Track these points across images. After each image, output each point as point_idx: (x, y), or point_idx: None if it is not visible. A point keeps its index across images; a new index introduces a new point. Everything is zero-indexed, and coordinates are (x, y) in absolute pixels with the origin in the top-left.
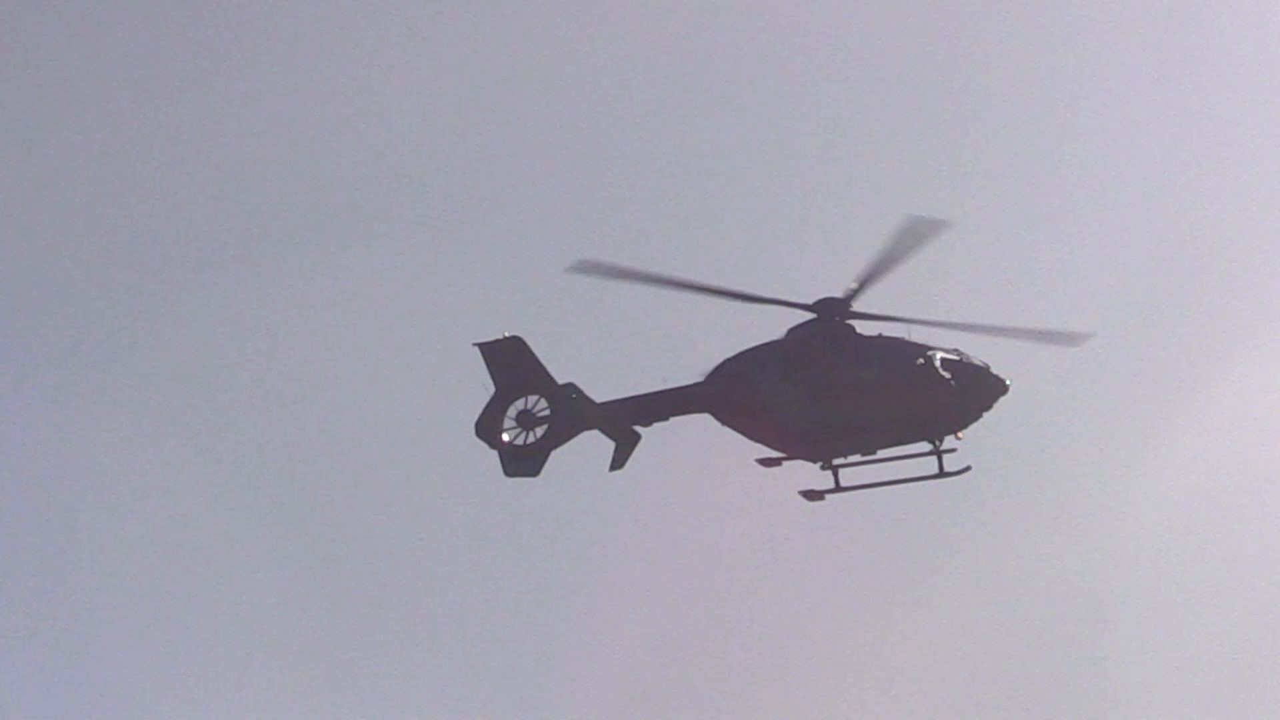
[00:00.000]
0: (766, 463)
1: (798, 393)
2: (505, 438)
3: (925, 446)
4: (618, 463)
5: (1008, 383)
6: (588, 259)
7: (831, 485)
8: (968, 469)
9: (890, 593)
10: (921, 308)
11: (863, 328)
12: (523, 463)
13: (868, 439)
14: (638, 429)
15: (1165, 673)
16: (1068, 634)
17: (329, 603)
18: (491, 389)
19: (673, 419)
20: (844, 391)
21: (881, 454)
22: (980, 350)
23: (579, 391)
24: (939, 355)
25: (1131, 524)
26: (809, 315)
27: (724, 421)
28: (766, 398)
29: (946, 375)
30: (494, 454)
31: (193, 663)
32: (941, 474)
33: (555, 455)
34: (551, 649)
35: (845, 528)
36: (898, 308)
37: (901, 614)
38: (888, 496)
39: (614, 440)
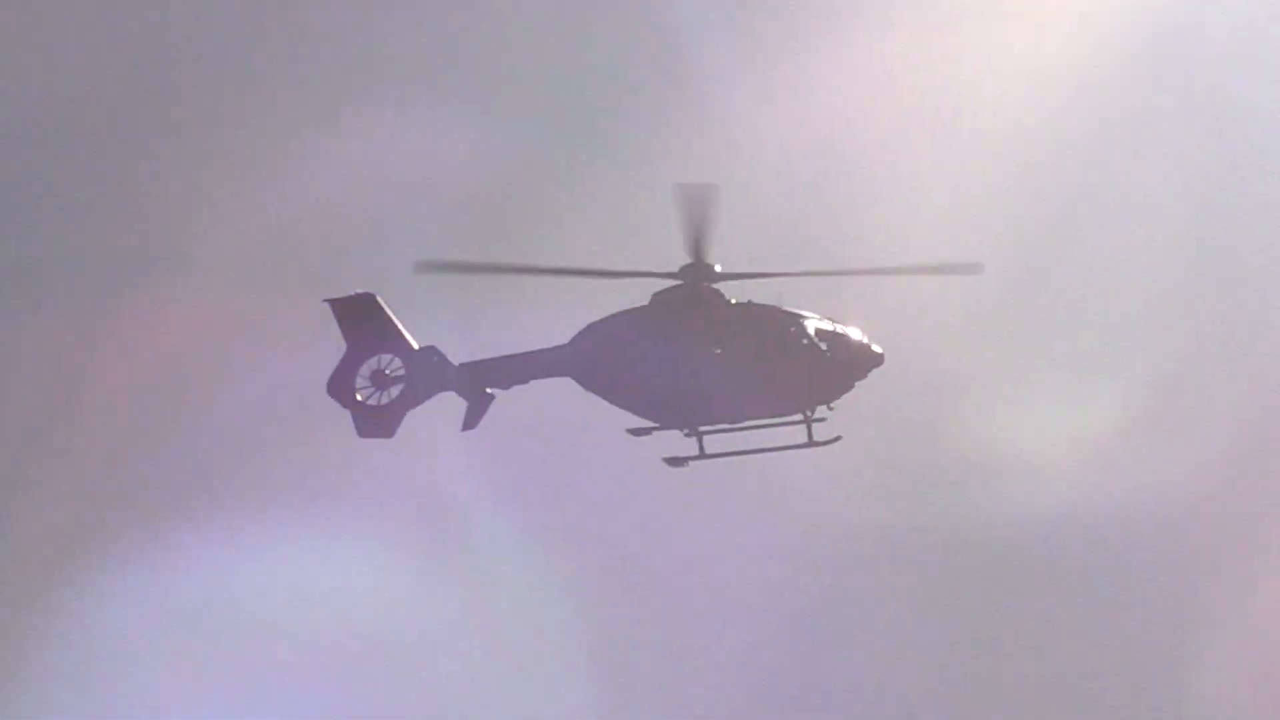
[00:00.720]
0: (637, 433)
1: (664, 360)
2: (359, 398)
3: (795, 415)
4: (470, 423)
5: (881, 352)
6: (432, 259)
7: (696, 452)
8: (838, 439)
9: (756, 562)
10: (800, 261)
11: (733, 290)
12: (377, 423)
13: (736, 408)
14: (493, 391)
15: (1053, 640)
16: (942, 603)
17: (170, 569)
18: (344, 347)
19: (533, 382)
20: (712, 360)
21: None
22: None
23: (440, 354)
24: (812, 324)
25: (1010, 494)
26: (673, 279)
27: (587, 386)
28: (632, 364)
29: (821, 345)
30: (346, 414)
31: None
32: (811, 443)
33: (410, 415)
34: (399, 612)
35: (709, 495)
36: (774, 263)
37: (769, 585)
38: (755, 464)
39: (467, 401)
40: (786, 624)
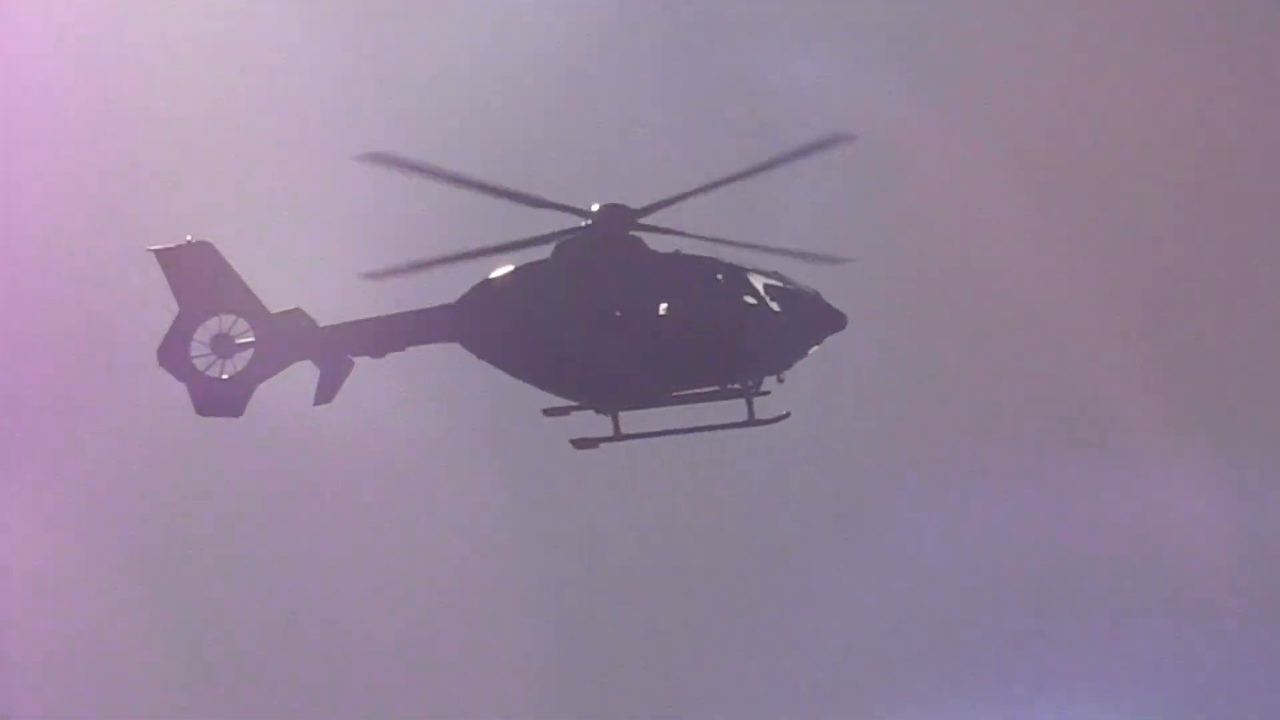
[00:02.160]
0: (553, 413)
1: (579, 324)
2: (197, 367)
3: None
4: (325, 395)
5: (843, 314)
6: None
7: (610, 432)
8: (786, 415)
9: (681, 568)
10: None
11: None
12: (221, 398)
13: (666, 382)
14: (354, 357)
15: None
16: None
17: None
18: (175, 307)
19: (411, 348)
20: (640, 324)
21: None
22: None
23: (306, 317)
24: (759, 279)
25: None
26: (581, 224)
27: (478, 353)
28: (538, 329)
29: (772, 304)
30: (182, 387)
31: None
32: (752, 421)
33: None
34: (249, 623)
35: (624, 485)
36: (685, 221)
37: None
38: (683, 445)
39: (322, 369)
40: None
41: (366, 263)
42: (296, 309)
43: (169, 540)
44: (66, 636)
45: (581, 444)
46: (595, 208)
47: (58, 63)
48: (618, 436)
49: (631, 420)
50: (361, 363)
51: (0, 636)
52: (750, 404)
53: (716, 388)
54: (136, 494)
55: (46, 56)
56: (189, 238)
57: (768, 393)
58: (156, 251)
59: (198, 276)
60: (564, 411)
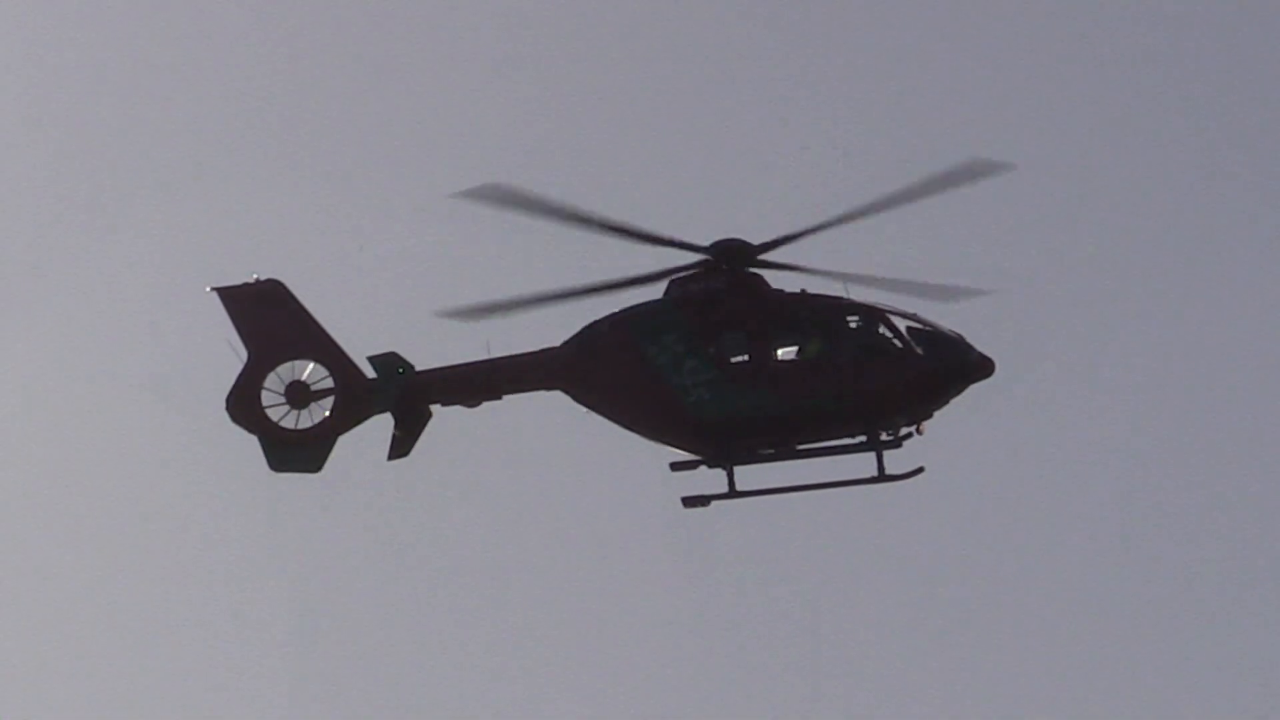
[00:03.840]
0: (680, 467)
1: (706, 369)
2: (272, 418)
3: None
4: (401, 449)
5: (991, 360)
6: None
7: (724, 489)
8: (920, 470)
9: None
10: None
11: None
12: (299, 452)
13: (791, 434)
14: (446, 406)
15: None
16: None
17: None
18: (242, 353)
19: (508, 397)
20: (764, 369)
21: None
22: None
23: (406, 364)
24: (899, 321)
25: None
26: (699, 260)
27: (586, 402)
28: (660, 374)
29: (912, 347)
30: (253, 440)
31: None
32: (883, 477)
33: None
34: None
35: (741, 550)
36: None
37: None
38: (805, 504)
39: (399, 419)
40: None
41: (452, 303)
42: (392, 353)
43: (240, 611)
44: None
45: (692, 502)
46: (710, 243)
47: (129, 88)
48: (733, 493)
49: (748, 476)
50: (451, 413)
51: None
52: (880, 458)
53: (845, 440)
54: (205, 560)
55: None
56: (256, 276)
57: (899, 445)
58: (220, 291)
59: (267, 318)
60: (691, 465)
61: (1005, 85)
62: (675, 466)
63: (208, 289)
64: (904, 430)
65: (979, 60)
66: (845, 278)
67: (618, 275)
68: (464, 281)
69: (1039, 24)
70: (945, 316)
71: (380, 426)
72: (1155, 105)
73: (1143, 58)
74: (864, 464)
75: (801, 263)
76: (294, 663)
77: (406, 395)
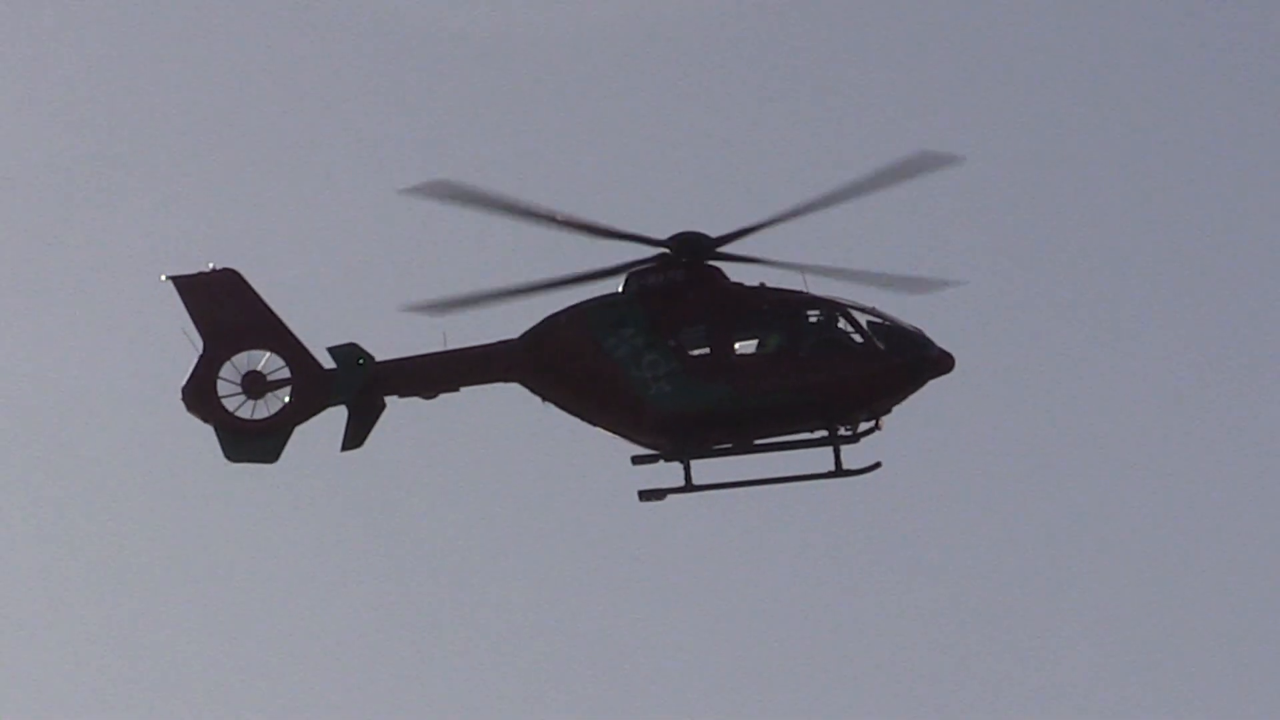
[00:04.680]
0: (640, 460)
1: (666, 362)
2: (228, 408)
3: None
4: (355, 439)
5: (951, 355)
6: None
7: (680, 482)
8: (877, 465)
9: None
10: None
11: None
12: (255, 443)
13: (751, 428)
14: (403, 398)
15: None
16: None
17: None
18: (198, 342)
19: (465, 389)
20: (734, 362)
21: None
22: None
23: (366, 355)
24: (859, 315)
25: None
26: (657, 254)
27: (544, 395)
28: (619, 367)
29: (876, 342)
30: (209, 430)
31: None
32: (840, 472)
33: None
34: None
35: (697, 543)
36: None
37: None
38: (761, 498)
39: (353, 410)
40: None
41: (411, 297)
42: (351, 344)
43: (194, 600)
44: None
45: (649, 496)
46: (669, 236)
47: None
48: (690, 487)
49: (705, 470)
50: (406, 405)
51: None
52: (838, 453)
53: (804, 434)
54: (161, 549)
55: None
56: (211, 264)
57: (856, 440)
58: (175, 280)
59: (223, 307)
60: (652, 459)
61: (958, 76)
62: (637, 460)
63: (162, 278)
64: (864, 426)
65: (935, 52)
66: (808, 269)
67: (575, 270)
68: (420, 274)
69: (993, 17)
70: (909, 309)
71: (334, 417)
72: (1112, 95)
73: (1098, 45)
74: (821, 459)
75: (762, 255)
76: (251, 655)
77: (366, 387)
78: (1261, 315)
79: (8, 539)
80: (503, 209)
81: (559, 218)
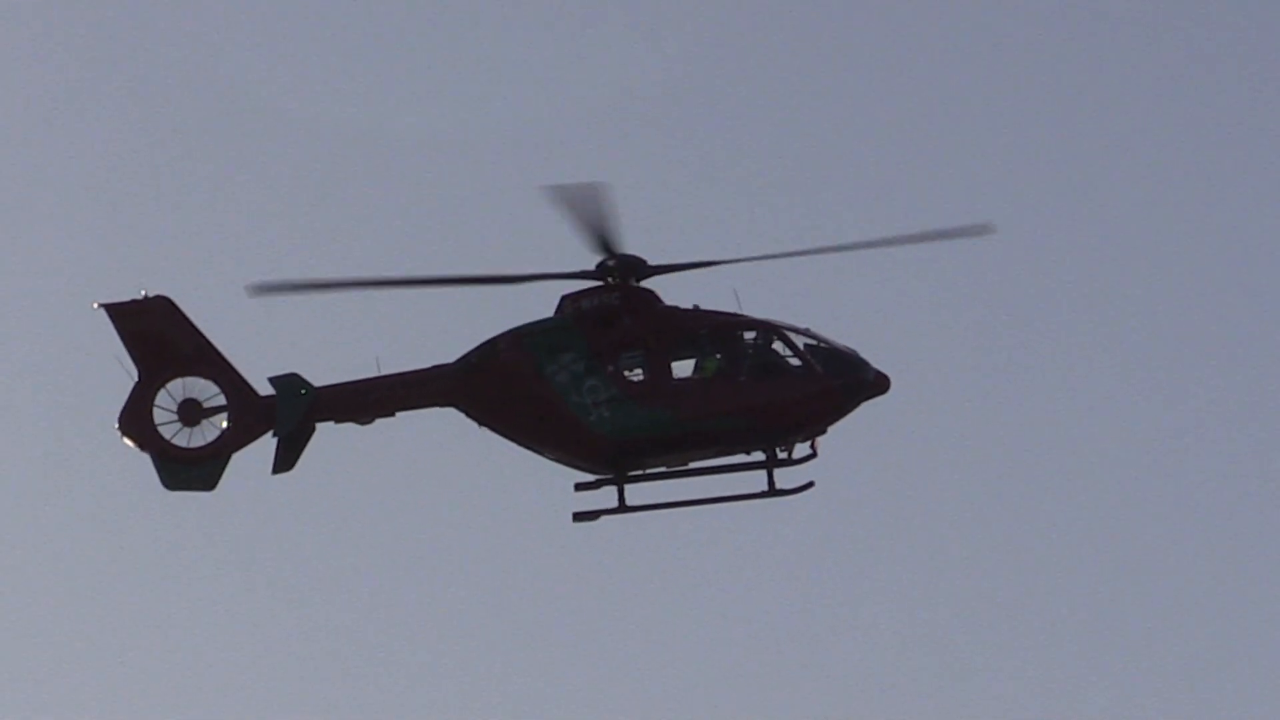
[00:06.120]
0: (584, 487)
1: (606, 388)
2: (165, 436)
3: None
4: (286, 463)
5: (886, 376)
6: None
7: (613, 504)
8: (810, 485)
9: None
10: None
11: (673, 291)
12: (192, 471)
13: (695, 449)
14: (338, 423)
15: None
16: None
17: None
18: (133, 370)
19: (401, 414)
20: (673, 387)
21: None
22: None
23: (308, 384)
24: (795, 337)
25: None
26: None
27: (481, 420)
28: (559, 393)
29: (808, 363)
30: (146, 459)
31: None
32: (773, 491)
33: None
34: None
35: (631, 566)
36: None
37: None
38: (692, 519)
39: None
40: None
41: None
42: (292, 374)
43: (135, 631)
44: None
45: (582, 517)
46: (598, 262)
47: None
48: (622, 509)
49: (638, 492)
50: (342, 431)
51: None
52: (770, 473)
53: (739, 456)
54: (98, 578)
55: None
56: (144, 291)
57: (790, 463)
58: (108, 307)
59: (157, 335)
60: (596, 485)
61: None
62: (580, 487)
63: (94, 305)
64: (801, 452)
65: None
66: (808, 252)
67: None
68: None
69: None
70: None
71: (264, 440)
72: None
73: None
74: (755, 480)
75: (703, 258)
76: (190, 684)
77: (309, 415)
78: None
79: None
80: (384, 286)
81: (473, 277)
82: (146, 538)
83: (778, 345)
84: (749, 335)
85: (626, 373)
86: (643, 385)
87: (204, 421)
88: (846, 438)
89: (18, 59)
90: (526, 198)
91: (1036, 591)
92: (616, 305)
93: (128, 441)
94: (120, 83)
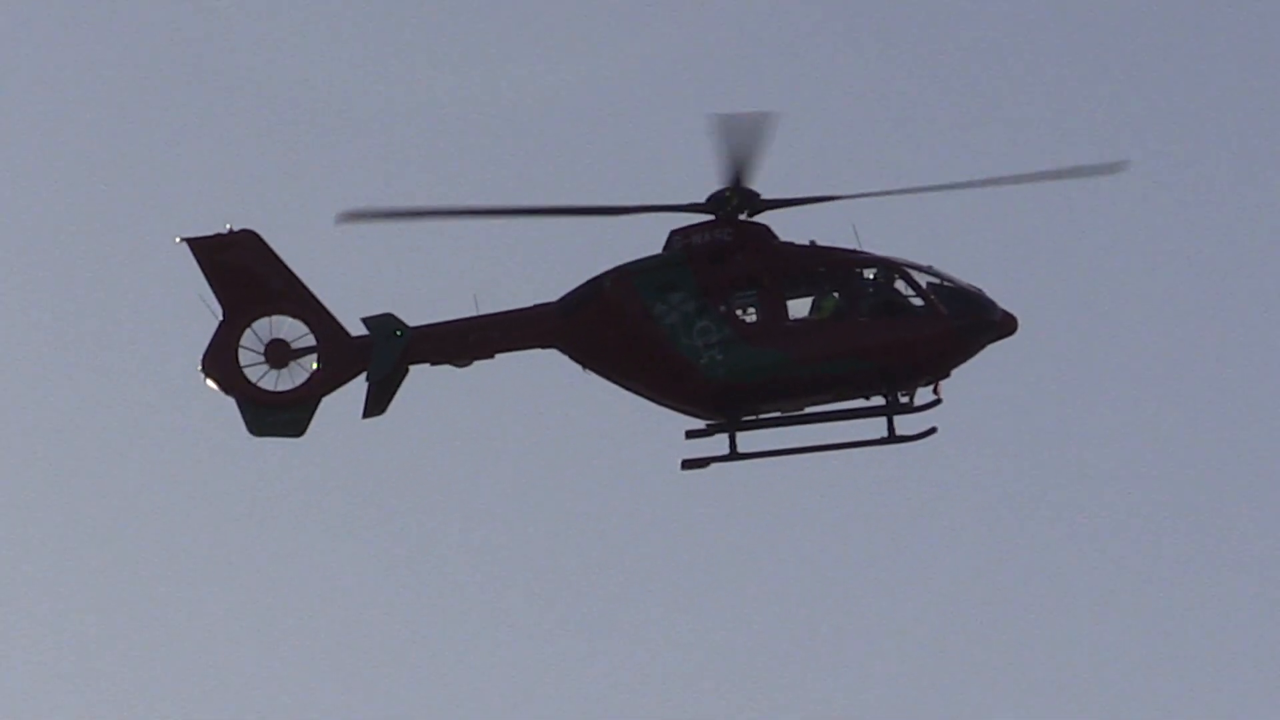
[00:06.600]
0: (695, 434)
1: (719, 329)
2: (251, 378)
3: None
4: (377, 405)
5: (1014, 316)
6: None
7: (724, 451)
8: (933, 431)
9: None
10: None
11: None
12: (281, 415)
13: (811, 393)
14: (434, 365)
15: None
16: None
17: None
18: (216, 309)
19: (501, 355)
20: (789, 328)
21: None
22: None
23: (403, 325)
24: (915, 274)
25: None
26: (701, 218)
27: (583, 362)
28: (669, 335)
29: (937, 303)
30: (230, 401)
31: None
32: (893, 438)
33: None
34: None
35: (744, 517)
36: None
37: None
38: (810, 467)
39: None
40: None
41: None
42: (388, 314)
43: (223, 583)
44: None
45: (691, 464)
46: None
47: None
48: (734, 456)
49: (749, 438)
50: (439, 372)
51: None
52: (891, 419)
53: (857, 401)
54: (182, 529)
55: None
56: (229, 226)
57: (912, 408)
58: (191, 242)
59: (243, 271)
60: (708, 433)
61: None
62: (691, 434)
63: (177, 240)
64: (924, 398)
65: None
66: (934, 188)
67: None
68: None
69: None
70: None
71: (356, 383)
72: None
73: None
74: (874, 426)
75: (821, 192)
76: (278, 636)
77: (403, 358)
78: None
79: (25, 519)
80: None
81: (568, 209)
82: (232, 485)
83: (899, 284)
84: (868, 273)
85: (739, 312)
86: (756, 326)
87: (292, 363)
88: (972, 381)
89: None
90: (636, 126)
91: (1178, 548)
92: (729, 241)
93: (211, 384)
94: (211, 15)
